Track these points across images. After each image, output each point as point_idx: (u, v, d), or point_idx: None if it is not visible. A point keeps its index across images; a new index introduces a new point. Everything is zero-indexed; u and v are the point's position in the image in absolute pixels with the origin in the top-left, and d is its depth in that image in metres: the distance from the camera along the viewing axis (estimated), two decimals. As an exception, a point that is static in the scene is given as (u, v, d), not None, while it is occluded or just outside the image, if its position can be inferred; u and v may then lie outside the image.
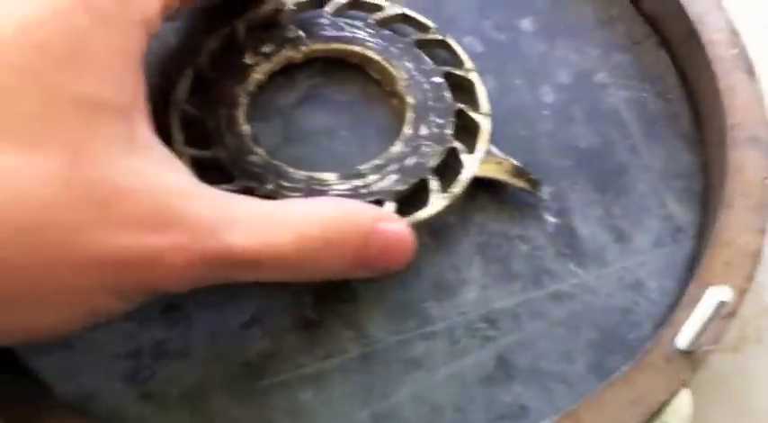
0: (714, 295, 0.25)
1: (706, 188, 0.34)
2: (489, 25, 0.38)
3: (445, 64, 0.35)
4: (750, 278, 0.29)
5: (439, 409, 0.29)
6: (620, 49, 0.37)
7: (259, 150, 0.32)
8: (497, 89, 0.35)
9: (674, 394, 0.27)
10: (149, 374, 0.29)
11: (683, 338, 0.27)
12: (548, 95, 0.36)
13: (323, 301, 0.31)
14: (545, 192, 0.33)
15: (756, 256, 0.30)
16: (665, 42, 0.37)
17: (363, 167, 0.32)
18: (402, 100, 0.34)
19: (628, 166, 0.34)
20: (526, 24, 0.38)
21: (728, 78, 0.34)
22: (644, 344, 0.29)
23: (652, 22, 0.38)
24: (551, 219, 0.33)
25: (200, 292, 0.26)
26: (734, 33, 0.35)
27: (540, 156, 0.34)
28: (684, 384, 0.27)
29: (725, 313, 0.27)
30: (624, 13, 0.38)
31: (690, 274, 0.31)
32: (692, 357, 0.27)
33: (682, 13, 0.36)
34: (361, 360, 0.30)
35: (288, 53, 0.35)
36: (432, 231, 0.32)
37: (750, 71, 0.34)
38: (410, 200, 0.31)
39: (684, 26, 0.36)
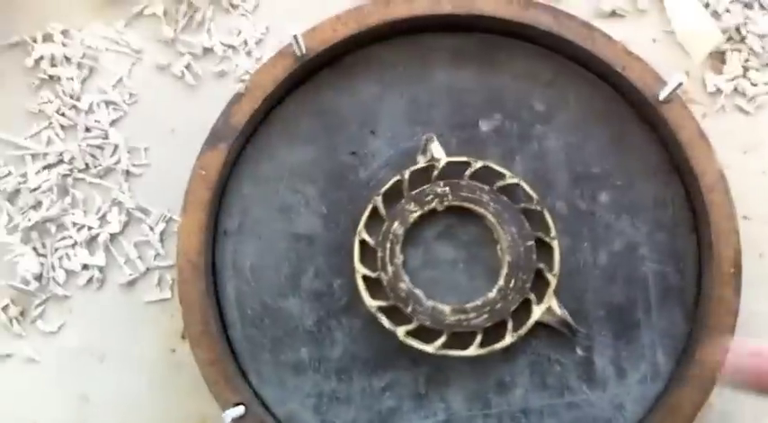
0: None
1: (687, 351, 0.52)
2: (577, 194, 0.53)
3: (538, 228, 0.52)
4: None
5: (482, 463, 0.52)
6: (663, 228, 0.53)
7: (406, 279, 0.52)
8: (570, 247, 0.53)
9: None
10: (326, 410, 0.53)
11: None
12: (603, 259, 0.53)
13: (430, 381, 0.52)
14: (581, 332, 0.52)
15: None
16: (696, 227, 0.53)
17: (468, 306, 0.51)
18: (503, 255, 0.52)
19: (640, 322, 0.52)
20: (603, 197, 0.53)
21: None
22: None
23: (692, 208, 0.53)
24: (580, 352, 0.52)
25: (361, 365, 0.50)
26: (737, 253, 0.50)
27: (584, 305, 0.52)
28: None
29: None
30: (676, 197, 0.53)
31: (656, 404, 0.51)
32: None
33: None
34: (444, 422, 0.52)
35: (434, 204, 0.53)
36: (503, 348, 0.52)
37: (737, 288, 0.50)
38: (491, 329, 0.51)
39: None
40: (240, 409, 0.50)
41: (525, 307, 0.51)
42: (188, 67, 0.61)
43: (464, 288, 0.53)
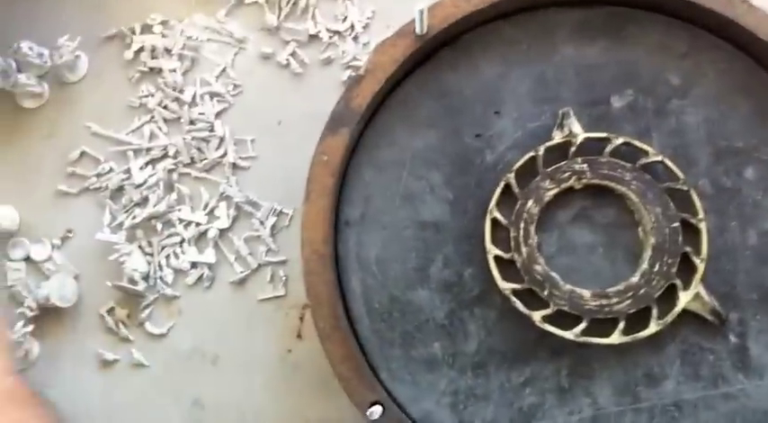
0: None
1: None
2: (720, 171, 0.50)
3: (682, 208, 0.49)
4: None
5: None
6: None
7: (541, 261, 0.49)
8: (716, 227, 0.49)
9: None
10: (463, 408, 0.49)
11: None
12: (752, 238, 0.49)
13: (573, 374, 0.49)
14: (733, 317, 0.49)
15: None
16: None
17: (610, 291, 0.48)
18: (647, 238, 0.49)
19: (799, 306, 0.49)
20: (749, 173, 0.50)
21: None
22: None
23: None
24: (733, 339, 0.49)
25: (498, 359, 0.47)
26: None
27: (735, 288, 0.49)
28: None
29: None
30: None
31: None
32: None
33: None
34: (591, 419, 0.49)
35: (572, 182, 0.50)
36: (649, 337, 0.48)
37: None
38: (635, 317, 0.48)
39: None
40: (378, 409, 0.47)
41: (671, 292, 0.48)
42: (293, 54, 0.58)
43: (604, 274, 0.50)
